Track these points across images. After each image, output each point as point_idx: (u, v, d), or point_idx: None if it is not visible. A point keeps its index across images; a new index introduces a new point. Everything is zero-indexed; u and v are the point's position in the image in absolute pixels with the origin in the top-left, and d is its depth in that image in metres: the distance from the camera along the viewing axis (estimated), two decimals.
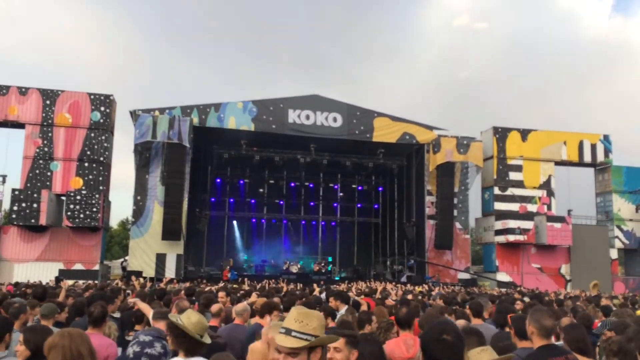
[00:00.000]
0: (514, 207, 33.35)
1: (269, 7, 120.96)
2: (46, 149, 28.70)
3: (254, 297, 9.04)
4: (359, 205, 37.31)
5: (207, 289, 13.45)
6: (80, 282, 20.13)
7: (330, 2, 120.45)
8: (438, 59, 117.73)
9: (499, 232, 32.81)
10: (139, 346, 2.84)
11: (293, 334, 2.28)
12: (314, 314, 2.40)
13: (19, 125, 28.89)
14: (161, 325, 4.58)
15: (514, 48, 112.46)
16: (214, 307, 6.44)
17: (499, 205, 33.38)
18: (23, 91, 28.95)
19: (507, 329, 4.80)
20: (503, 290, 23.78)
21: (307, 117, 30.40)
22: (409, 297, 11.46)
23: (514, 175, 33.83)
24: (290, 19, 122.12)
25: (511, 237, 32.26)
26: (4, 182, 28.40)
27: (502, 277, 32.43)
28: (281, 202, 36.58)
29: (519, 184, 33.75)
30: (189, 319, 3.25)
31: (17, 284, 16.20)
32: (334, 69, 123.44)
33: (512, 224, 32.38)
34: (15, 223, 27.52)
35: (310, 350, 2.32)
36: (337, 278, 30.27)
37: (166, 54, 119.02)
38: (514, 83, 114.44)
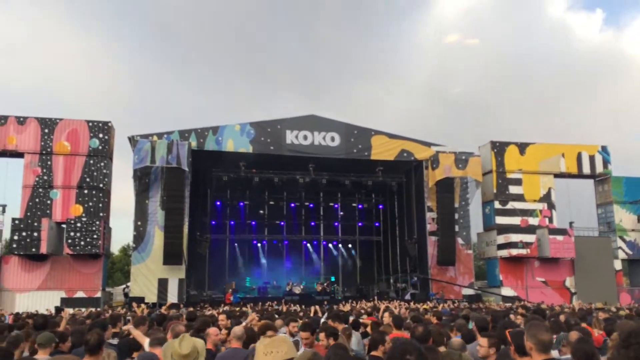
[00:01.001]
0: (516, 220, 33.27)
1: (264, 29, 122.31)
2: (45, 177, 28.74)
3: (252, 316, 8.97)
4: (359, 224, 37.23)
5: (208, 312, 13.36)
6: (82, 310, 20.00)
7: (323, 23, 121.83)
8: (432, 76, 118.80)
9: (501, 247, 32.68)
10: None
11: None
12: (278, 339, 2.43)
13: (18, 155, 28.98)
14: (157, 351, 4.54)
15: (506, 63, 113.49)
16: (211, 330, 6.38)
17: (500, 219, 33.31)
18: (21, 121, 29.11)
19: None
20: (507, 305, 23.57)
21: (305, 138, 30.51)
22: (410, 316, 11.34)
23: (513, 189, 33.81)
24: (284, 40, 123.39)
25: (514, 251, 32.12)
26: (3, 211, 28.39)
27: (507, 291, 32.21)
28: (282, 223, 36.52)
29: (520, 198, 33.71)
30: (181, 350, 3.29)
31: (17, 315, 16.08)
32: (329, 89, 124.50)
33: (514, 237, 32.26)
34: (15, 252, 27.42)
35: None
36: (340, 298, 30.05)
37: (163, 79, 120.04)
38: (508, 97, 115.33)
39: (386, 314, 9.45)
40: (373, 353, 5.57)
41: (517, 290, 32.44)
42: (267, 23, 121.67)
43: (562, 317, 8.57)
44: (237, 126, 30.03)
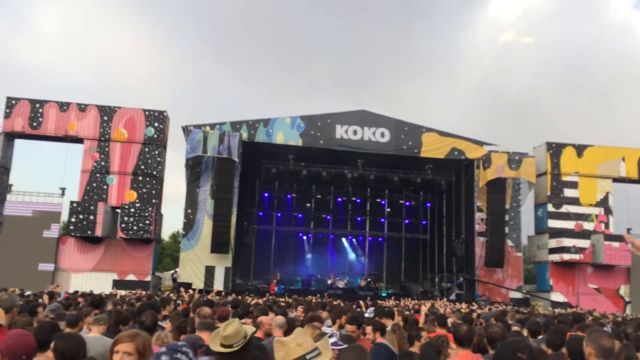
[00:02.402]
0: (569, 224, 32.18)
1: (313, 27, 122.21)
2: (103, 163, 29.84)
3: (299, 310, 9.04)
4: (406, 221, 36.88)
5: (253, 301, 13.55)
6: (132, 292, 20.69)
7: (373, 20, 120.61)
8: (485, 75, 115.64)
9: (553, 251, 31.69)
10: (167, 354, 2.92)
11: (308, 357, 2.29)
12: (299, 330, 2.43)
13: (78, 140, 30.19)
14: (204, 335, 4.64)
15: (563, 62, 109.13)
16: (264, 319, 6.47)
17: (553, 223, 32.28)
18: (82, 108, 30.29)
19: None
20: (556, 310, 22.88)
21: (355, 133, 30.43)
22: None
23: (569, 192, 32.70)
24: (334, 37, 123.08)
25: (566, 256, 31.10)
26: (63, 194, 29.67)
27: (557, 297, 31.25)
28: (328, 217, 36.61)
29: (575, 201, 32.57)
30: (223, 332, 3.41)
31: (74, 293, 16.78)
32: (380, 87, 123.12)
33: (567, 242, 31.21)
34: (72, 234, 28.65)
35: None
36: (384, 294, 29.90)
37: (216, 72, 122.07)
38: (565, 99, 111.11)
39: (422, 313, 9.38)
40: (410, 349, 5.57)
41: (567, 296, 31.43)
42: (315, 19, 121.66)
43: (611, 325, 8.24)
44: (287, 119, 30.26)
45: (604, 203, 32.91)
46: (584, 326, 6.03)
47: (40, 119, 29.77)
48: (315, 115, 30.70)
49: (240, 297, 17.84)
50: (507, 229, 31.10)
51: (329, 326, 7.30)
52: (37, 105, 29.93)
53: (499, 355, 2.38)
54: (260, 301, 13.95)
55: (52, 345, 3.53)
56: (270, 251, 35.12)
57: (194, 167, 29.30)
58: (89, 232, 28.02)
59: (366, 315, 9.40)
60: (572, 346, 3.98)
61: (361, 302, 13.73)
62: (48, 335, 3.96)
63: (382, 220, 37.28)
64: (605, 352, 3.46)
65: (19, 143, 31.11)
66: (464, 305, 20.85)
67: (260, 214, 34.23)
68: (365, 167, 30.77)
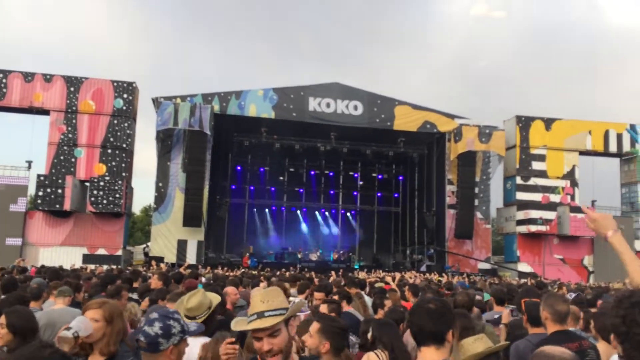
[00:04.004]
0: (537, 197, 32.89)
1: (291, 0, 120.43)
2: (70, 136, 29.16)
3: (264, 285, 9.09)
4: (378, 194, 37.22)
5: (224, 273, 13.57)
6: (104, 267, 20.50)
7: None
8: (457, 48, 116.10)
9: (520, 222, 32.44)
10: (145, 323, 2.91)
11: (266, 314, 2.31)
12: (274, 290, 2.45)
13: (44, 112, 29.38)
14: (171, 306, 4.64)
15: (535, 36, 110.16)
16: (229, 290, 6.49)
17: (521, 195, 32.96)
18: (48, 78, 29.40)
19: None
20: (523, 280, 23.55)
21: (328, 105, 30.32)
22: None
23: (537, 165, 33.34)
24: (308, 7, 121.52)
25: (533, 228, 31.88)
26: (29, 167, 28.99)
27: (523, 267, 32.11)
28: (301, 190, 36.66)
29: (542, 174, 33.25)
30: (186, 304, 3.48)
31: (41, 267, 16.55)
32: (353, 58, 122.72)
33: (534, 214, 31.98)
34: (40, 208, 28.10)
35: (286, 324, 2.37)
36: (356, 267, 30.29)
37: (187, 42, 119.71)
38: (535, 72, 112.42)
39: (391, 284, 9.56)
40: (375, 316, 5.71)
41: (533, 266, 32.31)
42: None
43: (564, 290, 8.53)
44: (260, 91, 29.93)
45: (570, 176, 33.68)
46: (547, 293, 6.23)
47: (4, 90, 28.82)
48: (288, 88, 30.43)
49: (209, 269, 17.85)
50: (476, 202, 31.66)
51: (294, 297, 7.38)
52: (1, 75, 28.94)
53: (413, 307, 2.53)
54: (232, 274, 14.00)
55: (3, 320, 3.46)
56: (243, 224, 35.12)
57: (165, 140, 28.89)
58: (57, 206, 27.49)
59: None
60: (530, 312, 4.11)
61: (332, 273, 13.90)
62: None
63: (355, 193, 37.54)
64: (560, 316, 3.59)
65: None
66: (434, 275, 21.29)
67: (233, 187, 34.07)
68: (338, 140, 30.78)
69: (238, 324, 2.52)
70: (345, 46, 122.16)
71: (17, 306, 3.80)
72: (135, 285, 8.19)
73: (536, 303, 3.93)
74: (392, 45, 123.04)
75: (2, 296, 5.47)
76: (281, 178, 36.17)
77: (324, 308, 4.55)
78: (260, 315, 2.31)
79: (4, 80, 28.87)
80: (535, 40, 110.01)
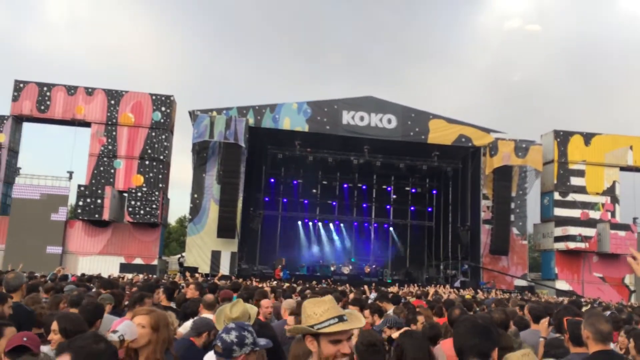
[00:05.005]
0: (575, 213, 32.09)
1: (320, 11, 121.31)
2: (110, 147, 29.98)
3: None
4: (412, 208, 36.91)
5: (259, 286, 13.65)
6: (140, 276, 20.87)
7: (380, 5, 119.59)
8: (491, 62, 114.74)
9: (558, 239, 31.66)
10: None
11: (345, 318, 2.31)
12: (319, 300, 2.41)
13: (86, 124, 30.33)
14: (211, 316, 4.74)
15: (571, 50, 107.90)
16: (263, 302, 6.55)
17: (559, 211, 32.21)
18: (89, 91, 30.36)
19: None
20: (561, 299, 22.93)
21: (362, 119, 30.35)
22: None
23: (575, 181, 32.57)
24: (341, 21, 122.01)
25: (571, 245, 31.07)
26: (70, 178, 29.89)
27: (561, 285, 31.28)
28: (334, 203, 36.65)
29: (581, 190, 32.45)
30: (231, 313, 3.70)
31: (81, 276, 16.96)
32: (386, 72, 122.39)
33: (573, 230, 31.18)
34: (80, 218, 28.89)
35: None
36: (389, 281, 30.03)
37: (222, 56, 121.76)
38: (572, 87, 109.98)
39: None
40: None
41: (572, 284, 31.45)
42: (328, 6, 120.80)
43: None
44: (294, 104, 30.20)
45: (610, 192, 32.77)
46: (588, 311, 6.07)
47: (48, 103, 29.90)
48: (321, 101, 30.63)
49: (243, 281, 17.98)
50: (512, 217, 31.07)
51: None
52: (45, 88, 30.04)
53: (463, 319, 2.49)
54: (266, 286, 14.07)
55: (55, 325, 3.57)
56: (275, 236, 35.26)
57: (201, 152, 29.39)
58: (97, 215, 28.24)
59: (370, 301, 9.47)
60: (572, 331, 4.02)
61: (365, 287, 13.83)
62: (94, 315, 4.25)
63: (388, 207, 37.31)
64: (603, 336, 3.51)
65: (27, 126, 31.37)
66: (467, 291, 20.92)
67: (267, 199, 34.33)
68: (371, 153, 30.74)
69: (328, 328, 2.39)
70: (377, 61, 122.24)
71: (67, 312, 3.92)
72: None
73: (578, 322, 3.85)
74: (425, 60, 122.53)
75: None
76: (314, 191, 36.24)
77: None
78: (341, 318, 2.31)
79: (48, 93, 29.95)
80: (570, 54, 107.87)
